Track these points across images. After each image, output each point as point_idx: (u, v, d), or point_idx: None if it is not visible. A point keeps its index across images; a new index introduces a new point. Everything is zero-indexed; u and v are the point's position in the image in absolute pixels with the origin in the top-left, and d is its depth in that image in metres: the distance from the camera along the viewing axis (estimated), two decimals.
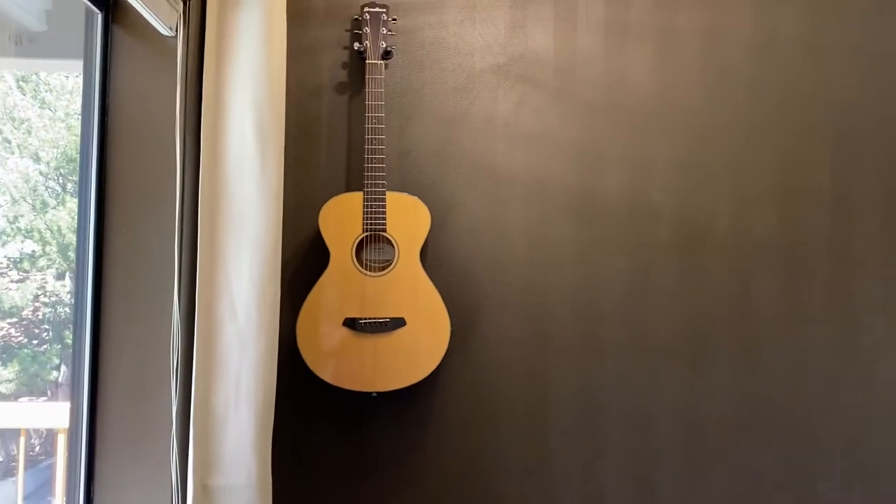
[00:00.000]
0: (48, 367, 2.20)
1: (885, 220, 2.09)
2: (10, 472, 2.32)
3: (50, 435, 2.34)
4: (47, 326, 2.17)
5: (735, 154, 2.09)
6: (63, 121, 2.11)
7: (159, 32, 1.66)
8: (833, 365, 2.05)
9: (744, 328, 2.06)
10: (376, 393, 1.94)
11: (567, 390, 2.04)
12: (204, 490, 1.55)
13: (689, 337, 2.06)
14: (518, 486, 2.02)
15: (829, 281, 2.07)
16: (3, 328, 2.06)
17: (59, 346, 2.14)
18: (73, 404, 1.62)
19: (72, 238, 1.88)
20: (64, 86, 2.12)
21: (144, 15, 1.56)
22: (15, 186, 2.00)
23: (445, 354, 2.01)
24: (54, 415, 2.21)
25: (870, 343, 2.06)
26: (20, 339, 2.11)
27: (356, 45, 1.99)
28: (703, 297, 2.07)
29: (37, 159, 2.04)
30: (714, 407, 2.04)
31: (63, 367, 2.15)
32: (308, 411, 2.01)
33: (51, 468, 2.32)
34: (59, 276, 2.14)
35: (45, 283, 2.14)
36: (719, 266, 2.08)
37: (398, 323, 1.93)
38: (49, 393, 2.20)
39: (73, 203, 1.94)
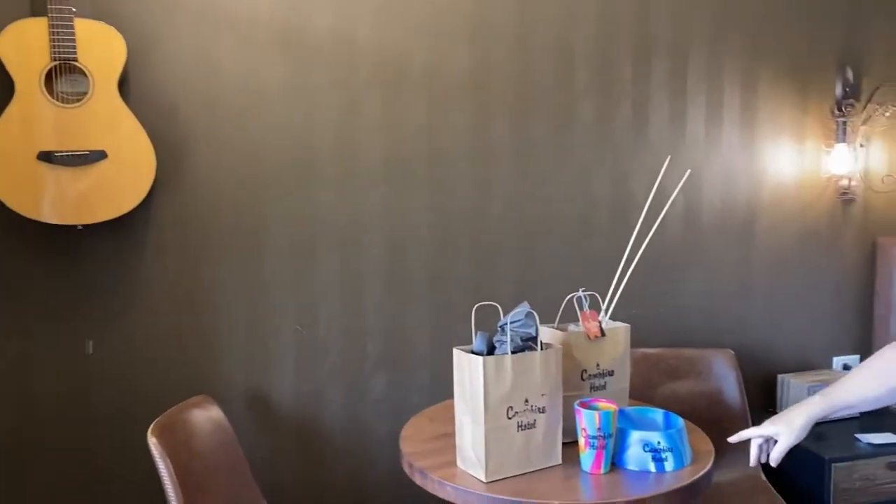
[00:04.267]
0: None
1: (558, 58, 2.37)
2: None
3: None
4: None
5: None
6: None
7: None
8: (511, 185, 2.37)
9: (437, 155, 2.30)
10: (82, 226, 1.96)
11: (282, 218, 2.18)
12: None
13: (391, 163, 2.26)
14: (235, 307, 2.18)
15: (511, 113, 2.35)
16: None
17: None
18: None
19: None
20: None
21: None
22: None
23: (156, 188, 2.06)
24: None
25: (540, 168, 2.40)
26: None
27: None
28: (402, 128, 2.26)
29: None
30: (411, 223, 2.29)
31: None
32: (14, 247, 2.00)
33: None
34: None
35: None
36: (417, 100, 2.27)
37: (99, 155, 1.93)
38: None
39: None
